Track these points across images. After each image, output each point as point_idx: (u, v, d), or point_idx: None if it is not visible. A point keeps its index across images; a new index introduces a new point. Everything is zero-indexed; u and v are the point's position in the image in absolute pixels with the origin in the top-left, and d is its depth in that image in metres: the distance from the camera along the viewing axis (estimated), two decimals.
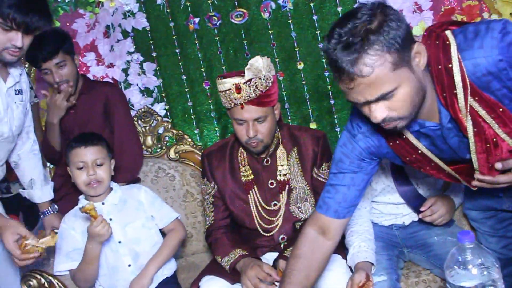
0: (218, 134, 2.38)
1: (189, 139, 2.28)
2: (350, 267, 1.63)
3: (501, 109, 1.09)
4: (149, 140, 2.29)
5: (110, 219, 1.69)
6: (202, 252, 2.17)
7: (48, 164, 2.36)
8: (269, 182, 1.76)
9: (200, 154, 2.18)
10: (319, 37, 2.25)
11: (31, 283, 1.61)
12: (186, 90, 2.37)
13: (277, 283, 1.53)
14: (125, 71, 2.37)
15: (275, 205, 1.75)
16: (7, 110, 1.60)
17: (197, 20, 2.32)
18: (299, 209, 1.74)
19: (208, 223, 1.82)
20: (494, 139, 1.12)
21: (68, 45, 1.96)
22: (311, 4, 2.24)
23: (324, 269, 1.42)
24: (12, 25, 1.40)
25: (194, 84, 2.36)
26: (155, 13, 2.34)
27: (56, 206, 1.96)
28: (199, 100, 2.37)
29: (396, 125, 1.12)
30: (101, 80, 2.36)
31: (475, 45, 1.06)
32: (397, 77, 1.04)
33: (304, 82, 2.30)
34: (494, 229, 1.55)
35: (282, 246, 1.72)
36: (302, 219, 1.74)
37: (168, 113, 2.38)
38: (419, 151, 1.25)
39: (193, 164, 2.23)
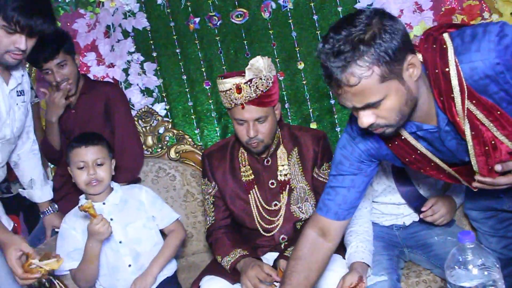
0: (218, 134, 2.38)
1: (190, 139, 2.28)
2: None
3: (499, 112, 1.09)
4: (149, 140, 2.29)
5: (111, 219, 1.69)
6: (202, 252, 2.17)
7: (49, 164, 2.37)
8: (270, 182, 1.76)
9: (201, 154, 2.18)
10: (319, 37, 2.25)
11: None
12: (187, 90, 2.37)
13: (277, 284, 1.53)
14: (125, 71, 2.37)
15: (275, 205, 1.75)
16: (9, 112, 1.60)
17: (197, 20, 2.32)
18: (300, 209, 1.74)
19: (208, 223, 1.82)
20: (493, 142, 1.12)
21: (68, 45, 1.96)
22: (312, 4, 2.24)
23: (324, 270, 1.42)
24: (16, 28, 1.39)
25: (195, 84, 2.36)
26: (155, 13, 2.34)
27: (56, 206, 1.96)
28: (200, 100, 2.37)
29: (384, 131, 1.14)
30: (101, 80, 2.36)
31: (472, 48, 1.05)
32: (385, 89, 1.04)
33: (304, 82, 2.30)
34: (494, 229, 1.56)
35: (282, 246, 1.72)
36: (303, 219, 1.74)
37: (169, 113, 2.38)
38: (418, 152, 1.25)
39: (194, 164, 2.23)
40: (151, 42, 2.35)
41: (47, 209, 1.92)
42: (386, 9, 2.12)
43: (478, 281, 0.99)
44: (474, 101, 1.08)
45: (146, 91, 2.38)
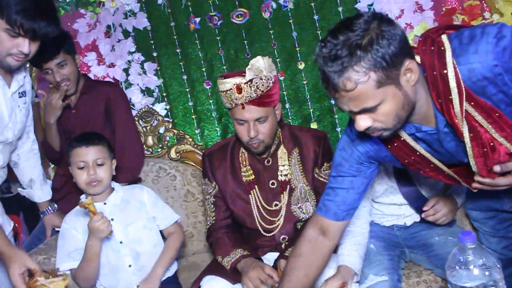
0: (219, 134, 2.38)
1: (190, 139, 2.28)
2: None
3: (497, 114, 1.09)
4: (150, 140, 2.29)
5: (112, 219, 1.69)
6: (203, 252, 2.17)
7: (50, 163, 2.37)
8: (270, 182, 1.76)
9: (201, 154, 2.18)
10: (320, 37, 2.25)
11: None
12: (187, 90, 2.37)
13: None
14: (126, 71, 2.37)
15: (276, 205, 1.75)
16: (11, 116, 1.59)
17: (198, 20, 2.32)
18: (300, 209, 1.74)
19: (209, 223, 1.82)
20: (491, 144, 1.12)
21: (68, 45, 1.96)
22: (312, 4, 2.24)
23: (324, 268, 1.43)
24: (19, 31, 1.37)
25: (195, 84, 2.36)
26: (156, 13, 2.34)
27: (55, 205, 1.96)
28: (200, 100, 2.37)
29: (381, 134, 1.14)
30: (102, 80, 2.36)
31: (470, 50, 1.05)
32: (381, 94, 1.05)
33: (305, 82, 2.30)
34: (495, 230, 1.56)
35: (283, 246, 1.72)
36: (303, 219, 1.74)
37: (169, 113, 2.38)
38: (418, 153, 1.25)
39: (194, 164, 2.23)
40: (152, 42, 2.35)
41: (46, 208, 1.92)
42: (387, 9, 2.17)
43: (479, 282, 0.99)
44: (472, 103, 1.08)
45: (147, 91, 2.38)
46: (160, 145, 2.30)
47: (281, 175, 1.75)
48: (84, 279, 1.63)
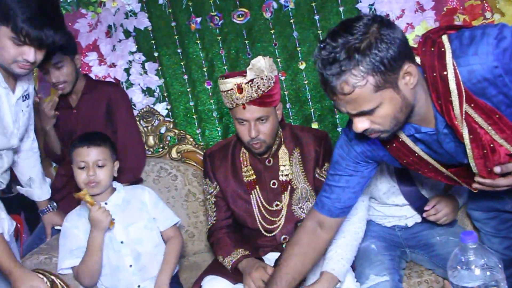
0: (220, 134, 2.38)
1: (191, 139, 2.28)
2: (351, 264, 1.63)
3: (497, 116, 1.09)
4: (151, 140, 2.29)
5: (113, 219, 1.69)
6: (204, 252, 2.17)
7: (52, 163, 2.37)
8: (271, 182, 1.76)
9: (202, 154, 2.18)
10: (320, 37, 2.25)
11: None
12: (188, 90, 2.37)
13: None
14: (127, 70, 2.37)
15: (277, 205, 1.75)
16: (15, 122, 1.58)
17: (199, 20, 2.32)
18: (301, 209, 1.74)
19: (210, 223, 1.82)
20: (491, 145, 1.11)
21: (66, 45, 1.96)
22: (313, 4, 2.24)
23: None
24: (25, 40, 1.35)
25: (196, 83, 2.36)
26: (157, 12, 2.34)
27: (55, 204, 1.96)
28: (201, 100, 2.37)
29: (379, 135, 1.15)
30: (103, 80, 2.36)
31: (470, 51, 1.05)
32: (379, 97, 1.05)
33: (306, 82, 2.30)
34: (497, 230, 1.56)
35: (284, 246, 1.72)
36: None
37: (170, 113, 2.38)
38: (416, 154, 1.25)
39: (195, 164, 2.23)
40: (153, 42, 2.36)
41: (46, 207, 1.92)
42: (388, 9, 2.17)
43: (480, 282, 0.99)
44: (472, 105, 1.08)
45: (148, 91, 2.38)
46: (161, 145, 2.30)
47: (282, 175, 1.75)
48: (87, 275, 1.63)
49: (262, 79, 1.58)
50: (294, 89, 2.31)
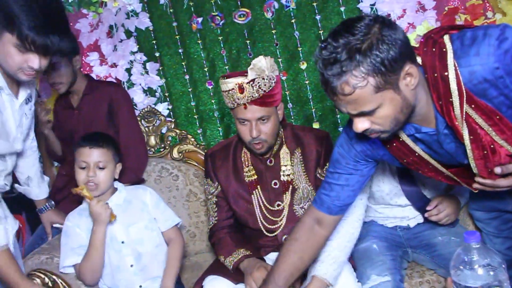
0: (221, 134, 2.38)
1: (192, 139, 2.28)
2: (352, 265, 1.64)
3: (498, 117, 1.09)
4: (152, 140, 2.29)
5: (113, 212, 1.69)
6: (205, 252, 2.17)
7: (54, 163, 2.38)
8: (273, 182, 1.76)
9: (203, 154, 2.18)
10: (322, 37, 2.25)
11: (34, 282, 1.61)
12: (189, 90, 2.37)
13: None
14: (128, 70, 2.37)
15: (278, 205, 1.75)
16: (19, 127, 1.57)
17: (200, 19, 2.32)
18: (303, 209, 1.74)
19: (211, 223, 1.82)
20: (492, 146, 1.11)
21: None
22: (314, 4, 2.24)
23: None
24: (30, 47, 1.33)
25: (197, 83, 2.36)
26: (158, 13, 2.34)
27: (53, 202, 1.95)
28: (202, 100, 2.37)
29: (379, 135, 1.15)
30: (104, 80, 2.36)
31: (472, 52, 1.05)
32: (379, 98, 1.05)
33: (307, 82, 2.29)
34: (499, 230, 1.55)
35: None
36: None
37: (171, 113, 2.38)
38: (416, 154, 1.25)
39: (196, 164, 2.23)
40: (154, 42, 2.36)
41: (44, 205, 1.91)
42: (389, 9, 2.17)
43: (483, 282, 0.99)
44: (473, 106, 1.08)
45: (149, 91, 2.38)
46: (163, 145, 2.30)
47: (283, 175, 1.75)
48: (89, 271, 1.63)
49: (263, 79, 1.58)
50: (295, 89, 2.31)
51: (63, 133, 2.19)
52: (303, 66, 2.29)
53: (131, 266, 1.69)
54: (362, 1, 2.19)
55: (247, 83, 1.57)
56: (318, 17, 2.25)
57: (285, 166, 1.75)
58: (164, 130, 2.31)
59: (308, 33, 2.27)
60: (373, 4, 2.17)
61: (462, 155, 1.18)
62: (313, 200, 1.44)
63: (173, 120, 2.36)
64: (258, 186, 1.76)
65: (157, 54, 2.36)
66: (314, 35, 2.27)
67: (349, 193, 1.37)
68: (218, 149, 1.85)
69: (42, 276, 1.62)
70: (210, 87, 2.36)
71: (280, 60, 2.29)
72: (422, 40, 1.15)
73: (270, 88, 1.60)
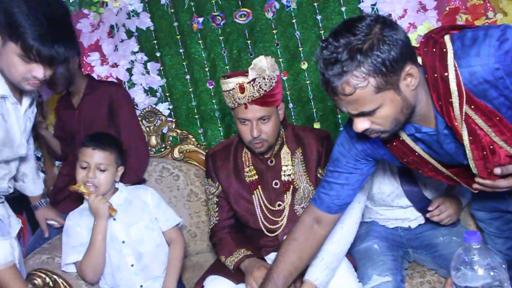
0: (222, 134, 2.38)
1: (193, 139, 2.28)
2: (353, 265, 1.63)
3: (497, 118, 1.09)
4: (153, 140, 2.30)
5: (114, 219, 1.70)
6: (206, 251, 2.17)
7: (56, 163, 2.38)
8: (274, 182, 1.76)
9: (204, 153, 2.18)
10: (323, 37, 2.24)
11: (36, 282, 1.61)
12: (190, 90, 2.37)
13: None
14: (129, 70, 2.37)
15: (279, 205, 1.75)
16: (23, 132, 1.57)
17: (201, 20, 2.32)
18: (303, 209, 1.73)
19: (212, 223, 1.82)
20: (491, 146, 1.11)
21: None
22: (315, 4, 2.24)
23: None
24: (35, 58, 1.31)
25: (198, 83, 2.36)
26: (159, 13, 2.34)
27: (48, 199, 1.95)
28: (203, 100, 2.37)
29: (379, 135, 1.16)
30: (105, 80, 2.36)
31: (472, 52, 1.05)
32: (379, 99, 1.05)
33: (308, 82, 2.29)
34: (500, 230, 1.55)
35: None
36: None
37: (172, 113, 2.38)
38: (416, 153, 1.25)
39: (197, 164, 2.23)
40: (155, 42, 2.36)
41: (39, 202, 1.91)
42: (390, 9, 2.16)
43: (484, 282, 0.99)
44: (472, 106, 1.08)
45: (150, 91, 2.38)
46: (163, 145, 2.30)
47: (284, 175, 1.75)
48: (90, 268, 1.63)
49: (264, 78, 1.58)
50: (296, 89, 2.31)
51: (64, 133, 2.19)
52: (304, 66, 2.29)
53: (132, 265, 1.69)
54: (363, 1, 2.18)
55: (248, 82, 1.57)
56: (319, 17, 2.24)
57: (286, 166, 1.75)
58: (165, 130, 2.32)
59: (309, 33, 2.27)
60: (374, 4, 2.17)
61: (462, 155, 1.18)
62: (312, 199, 1.43)
63: (174, 120, 2.36)
64: (259, 186, 1.76)
65: (158, 54, 2.36)
66: (315, 35, 2.26)
67: (349, 192, 1.38)
68: (219, 149, 1.85)
69: (43, 276, 1.62)
70: (211, 87, 2.36)
71: (281, 60, 2.29)
72: (422, 40, 1.15)
73: (271, 88, 1.60)
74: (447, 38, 1.10)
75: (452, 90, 1.07)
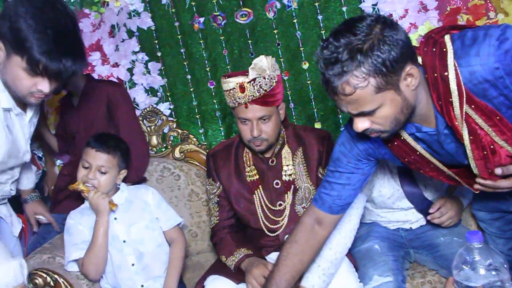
0: (223, 134, 2.37)
1: (194, 139, 2.28)
2: (354, 265, 1.63)
3: (498, 117, 1.08)
4: (154, 140, 2.30)
5: (115, 218, 1.70)
6: (207, 251, 2.17)
7: (57, 163, 2.38)
8: (275, 182, 1.76)
9: (205, 153, 2.18)
10: (324, 37, 2.24)
11: (36, 281, 1.62)
12: (191, 89, 2.37)
13: None
14: (130, 70, 2.37)
15: (280, 205, 1.75)
16: (28, 139, 1.56)
17: (202, 19, 2.32)
18: (304, 209, 1.73)
19: (213, 223, 1.82)
20: (492, 146, 1.11)
21: None
22: (316, 4, 2.24)
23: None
24: (42, 73, 1.28)
25: (199, 83, 2.36)
26: (160, 12, 2.34)
27: (38, 193, 1.95)
28: (204, 99, 2.37)
29: (379, 135, 1.16)
30: (105, 79, 2.35)
31: (472, 52, 1.05)
32: (380, 99, 1.06)
33: (309, 82, 2.29)
34: (501, 231, 1.55)
35: None
36: None
37: (173, 113, 2.38)
38: (417, 153, 1.25)
39: (198, 164, 2.23)
40: (156, 41, 2.36)
41: (29, 195, 1.90)
42: (391, 9, 2.16)
43: (485, 281, 0.98)
44: (472, 106, 1.08)
45: (151, 91, 2.38)
46: (164, 145, 2.30)
47: (285, 175, 1.75)
48: (92, 264, 1.63)
49: (264, 78, 1.58)
50: (297, 89, 2.31)
51: (65, 133, 2.19)
52: (305, 66, 2.29)
53: (133, 265, 1.69)
54: (364, 1, 2.18)
55: (248, 82, 1.57)
56: (320, 17, 2.24)
57: (287, 166, 1.75)
58: (166, 130, 2.32)
59: (310, 33, 2.27)
60: (375, 4, 2.17)
61: (463, 155, 1.18)
62: (313, 199, 1.43)
63: (175, 120, 2.35)
64: (260, 186, 1.76)
65: (159, 54, 2.36)
66: (316, 35, 2.26)
67: (350, 192, 1.37)
68: (220, 149, 1.85)
69: (44, 275, 1.63)
70: (212, 87, 2.36)
71: (282, 60, 2.29)
72: (422, 40, 1.15)
73: (271, 87, 1.60)
74: (447, 37, 1.10)
75: (452, 89, 1.07)
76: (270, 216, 1.75)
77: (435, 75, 1.09)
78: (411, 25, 2.15)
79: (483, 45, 1.04)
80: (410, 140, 1.23)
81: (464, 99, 1.07)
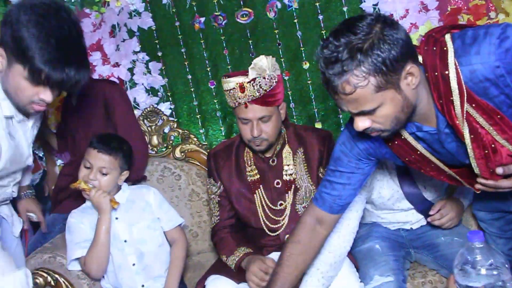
0: (223, 134, 2.38)
1: (195, 139, 2.28)
2: (355, 265, 1.63)
3: (499, 116, 1.08)
4: (154, 140, 2.30)
5: (116, 218, 1.70)
6: (207, 251, 2.17)
7: (58, 163, 2.38)
8: (275, 181, 1.76)
9: (206, 153, 2.18)
10: (324, 37, 2.22)
11: (37, 281, 1.62)
12: (192, 89, 2.37)
13: None
14: (130, 70, 2.37)
15: (281, 204, 1.75)
16: (30, 143, 1.56)
17: (202, 19, 2.32)
18: (305, 209, 1.73)
19: (213, 222, 1.82)
20: (493, 145, 1.11)
21: None
22: (317, 4, 2.24)
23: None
24: (44, 82, 1.26)
25: (200, 83, 2.36)
26: (160, 12, 2.34)
27: (33, 191, 1.94)
28: (205, 99, 2.37)
29: (380, 134, 1.16)
30: (104, 78, 2.35)
31: (472, 51, 1.05)
32: (380, 98, 1.06)
33: (309, 82, 2.29)
34: (502, 231, 1.55)
35: None
36: None
37: (174, 113, 2.38)
38: (418, 152, 1.25)
39: (199, 164, 2.23)
40: (156, 41, 2.36)
41: (24, 192, 1.89)
42: (392, 9, 2.16)
43: (486, 281, 0.98)
44: (473, 105, 1.08)
45: (151, 91, 2.38)
46: (165, 145, 2.30)
47: (286, 174, 1.75)
48: (94, 262, 1.63)
49: (264, 78, 1.58)
50: (298, 89, 2.31)
51: (65, 132, 2.19)
52: (306, 66, 2.29)
53: (133, 265, 1.70)
54: (364, 1, 2.18)
55: (248, 82, 1.57)
56: (320, 17, 2.24)
57: (288, 165, 1.75)
58: (166, 130, 2.31)
59: (310, 33, 2.27)
60: (376, 4, 2.17)
61: (463, 154, 1.18)
62: (314, 198, 1.43)
63: (175, 120, 2.36)
64: (261, 186, 1.76)
65: (159, 54, 2.36)
66: (316, 35, 2.26)
67: (350, 192, 1.38)
68: (220, 149, 1.85)
69: (45, 275, 1.63)
70: (212, 86, 2.36)
71: (282, 60, 2.29)
72: (423, 39, 1.15)
73: (271, 87, 1.60)
74: (447, 36, 1.10)
75: (453, 88, 1.07)
76: (271, 215, 1.75)
77: (436, 74, 1.09)
78: (411, 25, 2.15)
79: (483, 44, 1.04)
80: (410, 139, 1.23)
81: (465, 98, 1.07)
